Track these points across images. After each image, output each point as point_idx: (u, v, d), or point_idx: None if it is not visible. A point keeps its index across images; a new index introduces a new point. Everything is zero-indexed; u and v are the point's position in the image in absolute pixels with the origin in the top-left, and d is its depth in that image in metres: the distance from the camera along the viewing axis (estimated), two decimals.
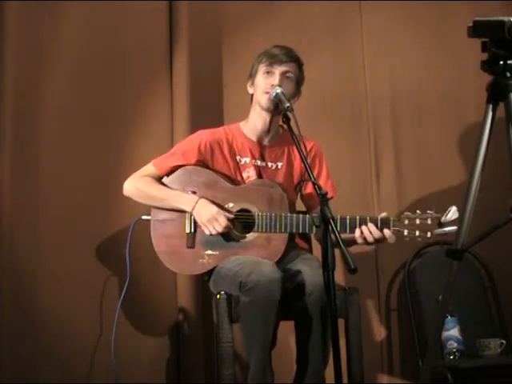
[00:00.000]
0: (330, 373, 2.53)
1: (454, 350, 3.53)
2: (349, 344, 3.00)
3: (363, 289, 3.19)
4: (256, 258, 2.91)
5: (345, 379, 2.64)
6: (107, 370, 3.35)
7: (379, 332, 3.86)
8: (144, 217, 3.15)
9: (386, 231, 2.87)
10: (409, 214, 2.88)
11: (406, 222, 2.87)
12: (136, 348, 3.47)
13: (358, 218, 2.88)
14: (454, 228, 2.75)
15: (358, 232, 2.87)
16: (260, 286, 2.77)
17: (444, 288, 2.34)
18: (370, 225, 2.87)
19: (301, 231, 2.96)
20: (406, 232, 2.87)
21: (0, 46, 3.35)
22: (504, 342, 3.56)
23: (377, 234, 2.87)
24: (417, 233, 2.86)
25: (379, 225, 2.87)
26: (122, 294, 3.31)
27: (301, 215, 2.96)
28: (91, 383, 3.39)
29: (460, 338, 3.55)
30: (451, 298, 2.36)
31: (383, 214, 2.90)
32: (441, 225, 2.82)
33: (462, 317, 3.59)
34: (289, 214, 2.95)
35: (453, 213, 2.77)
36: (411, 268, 3.82)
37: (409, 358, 3.79)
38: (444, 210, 2.80)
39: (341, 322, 2.90)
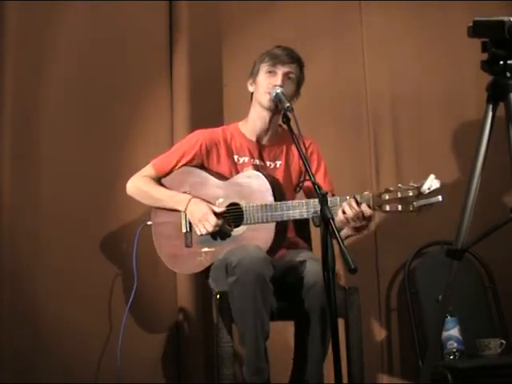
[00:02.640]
0: (329, 373, 2.53)
1: (454, 349, 3.53)
2: (349, 344, 2.99)
3: (363, 289, 3.17)
4: (243, 244, 2.91)
5: (345, 379, 2.64)
6: (109, 369, 3.35)
7: (379, 332, 3.85)
8: (149, 222, 3.19)
9: (363, 205, 2.77)
10: (389, 188, 2.77)
11: (387, 197, 2.76)
12: (136, 348, 3.46)
13: (338, 198, 2.82)
14: (438, 198, 2.65)
15: (339, 211, 2.78)
16: (244, 262, 2.76)
17: (444, 288, 2.35)
18: (351, 200, 2.78)
19: (290, 218, 2.92)
20: (387, 207, 2.76)
21: (0, 46, 3.35)
22: (504, 342, 3.56)
23: (356, 208, 2.76)
24: (399, 207, 2.74)
25: (359, 201, 2.78)
26: (131, 298, 3.33)
27: (286, 201, 2.92)
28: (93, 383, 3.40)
29: (460, 338, 3.55)
30: (451, 297, 2.36)
31: (365, 192, 2.81)
32: (421, 195, 2.68)
33: (462, 317, 3.59)
34: (275, 203, 2.92)
35: (431, 181, 2.65)
36: (411, 268, 3.82)
37: (409, 358, 3.79)
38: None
39: (341, 322, 2.90)
